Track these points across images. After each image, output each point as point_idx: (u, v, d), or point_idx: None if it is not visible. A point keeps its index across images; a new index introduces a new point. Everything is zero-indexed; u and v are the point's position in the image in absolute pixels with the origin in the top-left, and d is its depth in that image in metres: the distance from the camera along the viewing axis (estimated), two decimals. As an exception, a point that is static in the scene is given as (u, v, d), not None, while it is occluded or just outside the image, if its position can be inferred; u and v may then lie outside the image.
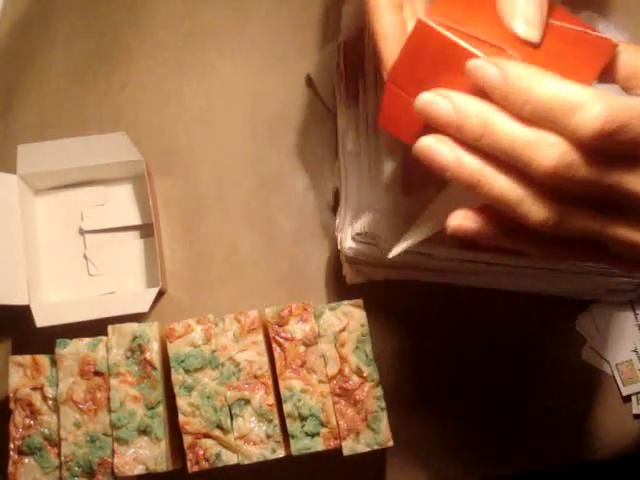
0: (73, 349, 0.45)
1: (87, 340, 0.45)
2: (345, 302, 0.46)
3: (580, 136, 0.29)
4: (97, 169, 0.53)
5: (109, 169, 0.54)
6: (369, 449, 0.44)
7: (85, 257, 0.54)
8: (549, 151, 0.30)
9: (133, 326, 0.45)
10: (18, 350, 0.52)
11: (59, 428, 0.44)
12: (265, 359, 0.45)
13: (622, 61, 0.35)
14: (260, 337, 0.45)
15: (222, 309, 0.49)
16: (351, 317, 0.46)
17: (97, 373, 0.45)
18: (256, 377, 0.45)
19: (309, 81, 0.57)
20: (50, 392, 0.45)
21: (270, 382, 0.45)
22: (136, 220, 0.55)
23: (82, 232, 0.55)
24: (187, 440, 0.44)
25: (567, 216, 0.31)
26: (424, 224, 0.40)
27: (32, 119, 0.57)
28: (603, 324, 0.51)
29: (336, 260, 0.53)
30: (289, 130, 0.56)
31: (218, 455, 0.44)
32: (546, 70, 0.31)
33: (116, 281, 0.54)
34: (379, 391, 0.45)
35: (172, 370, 0.45)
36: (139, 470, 0.43)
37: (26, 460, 0.44)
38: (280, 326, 0.45)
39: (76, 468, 0.44)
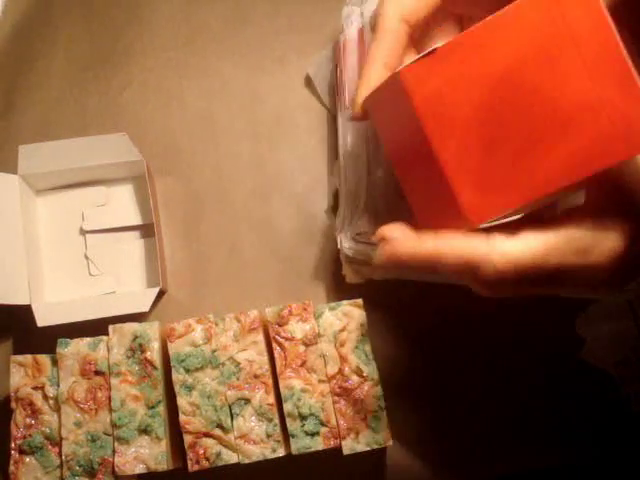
0: (74, 349, 0.45)
1: (88, 340, 0.46)
2: (345, 302, 0.46)
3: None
4: (98, 169, 0.53)
5: (110, 169, 0.54)
6: (369, 448, 0.44)
7: (86, 257, 0.54)
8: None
9: (134, 326, 0.46)
10: (19, 350, 0.52)
11: (60, 427, 0.44)
12: (265, 359, 0.45)
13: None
14: (260, 337, 0.46)
15: (222, 309, 0.49)
16: (351, 317, 0.46)
17: (98, 373, 0.45)
18: (256, 377, 0.45)
19: (308, 81, 0.57)
20: (51, 391, 0.45)
21: (270, 382, 0.45)
22: (137, 220, 0.55)
23: (83, 232, 0.55)
24: (187, 439, 0.44)
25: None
26: None
27: (33, 120, 0.57)
28: (602, 324, 0.51)
29: (336, 260, 0.53)
30: (289, 130, 0.56)
31: (218, 454, 0.44)
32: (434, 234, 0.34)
33: (117, 281, 0.54)
34: (379, 391, 0.45)
35: (172, 370, 0.45)
36: (140, 469, 0.43)
37: (27, 459, 0.44)
38: (280, 326, 0.45)
39: (77, 467, 0.44)
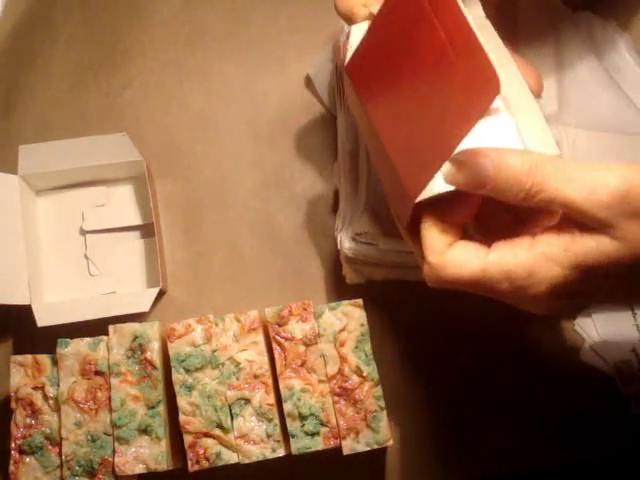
0: (74, 349, 0.45)
1: (88, 340, 0.46)
2: (345, 302, 0.46)
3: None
4: (98, 169, 0.54)
5: (110, 169, 0.54)
6: (369, 448, 0.44)
7: (86, 257, 0.54)
8: None
9: (134, 326, 0.46)
10: (19, 350, 0.52)
11: (60, 427, 0.44)
12: (265, 359, 0.45)
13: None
14: (260, 337, 0.46)
15: (222, 309, 0.49)
16: (351, 317, 0.46)
17: (98, 373, 0.45)
18: (256, 377, 0.45)
19: (309, 82, 0.57)
20: (51, 392, 0.45)
21: (270, 382, 0.45)
22: (137, 220, 0.55)
23: (83, 232, 0.55)
24: (187, 439, 0.44)
25: None
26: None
27: (33, 120, 0.57)
28: (602, 324, 0.51)
29: (336, 260, 0.53)
30: (289, 131, 0.56)
31: (218, 454, 0.44)
32: None
33: (117, 281, 0.54)
34: (379, 391, 0.45)
35: (172, 370, 0.45)
36: (140, 469, 0.43)
37: (27, 459, 0.44)
38: (280, 326, 0.45)
39: (77, 467, 0.44)
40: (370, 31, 0.39)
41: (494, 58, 0.33)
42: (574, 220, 0.33)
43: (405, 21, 0.36)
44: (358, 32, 0.40)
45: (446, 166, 0.34)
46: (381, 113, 0.39)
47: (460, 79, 0.34)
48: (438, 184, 0.35)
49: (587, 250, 0.32)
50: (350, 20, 0.41)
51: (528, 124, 0.36)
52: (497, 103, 0.35)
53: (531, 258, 0.33)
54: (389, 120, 0.39)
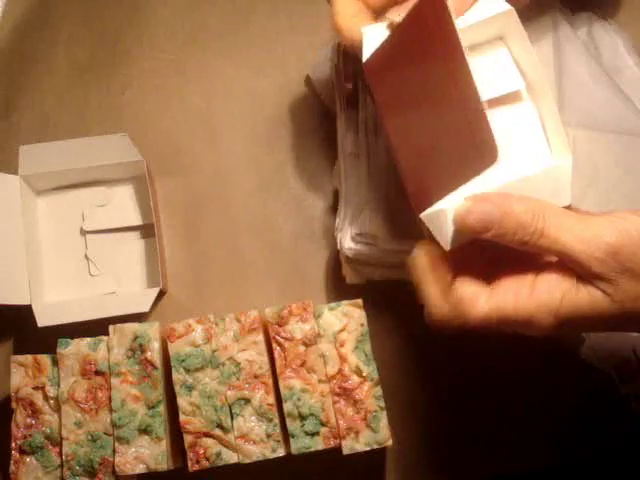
0: (74, 349, 0.45)
1: (88, 340, 0.46)
2: (345, 302, 0.46)
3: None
4: (98, 170, 0.54)
5: (110, 170, 0.54)
6: (368, 448, 0.44)
7: (86, 257, 0.55)
8: None
9: (134, 326, 0.46)
10: (19, 350, 0.52)
11: (60, 427, 0.44)
12: (265, 359, 0.45)
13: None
14: (260, 337, 0.46)
15: (222, 309, 0.49)
16: (351, 317, 0.46)
17: (98, 373, 0.45)
18: (256, 377, 0.45)
19: (308, 82, 0.57)
20: (51, 392, 0.45)
21: (270, 382, 0.45)
22: (137, 220, 0.55)
23: (83, 232, 0.55)
24: (188, 439, 0.44)
25: None
26: None
27: (34, 120, 0.57)
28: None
29: (336, 260, 0.53)
30: (289, 131, 0.56)
31: (218, 454, 0.44)
32: None
33: (117, 281, 0.54)
34: (378, 391, 0.45)
35: (173, 370, 0.45)
36: (140, 469, 0.43)
37: (28, 459, 0.44)
38: (280, 326, 0.46)
39: (77, 467, 0.44)
40: (391, 37, 0.38)
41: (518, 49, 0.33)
42: (571, 273, 0.34)
43: (423, 39, 0.36)
44: (373, 33, 0.40)
45: (456, 211, 0.35)
46: (395, 120, 0.39)
47: (463, 129, 0.35)
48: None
49: (581, 304, 0.34)
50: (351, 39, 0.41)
51: (547, 112, 0.37)
52: (521, 90, 0.37)
53: (533, 308, 0.34)
54: (402, 129, 0.39)
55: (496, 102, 0.37)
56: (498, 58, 0.38)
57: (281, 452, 0.44)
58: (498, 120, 0.35)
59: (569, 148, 0.36)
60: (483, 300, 0.35)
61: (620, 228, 0.33)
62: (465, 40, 0.34)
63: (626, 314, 0.33)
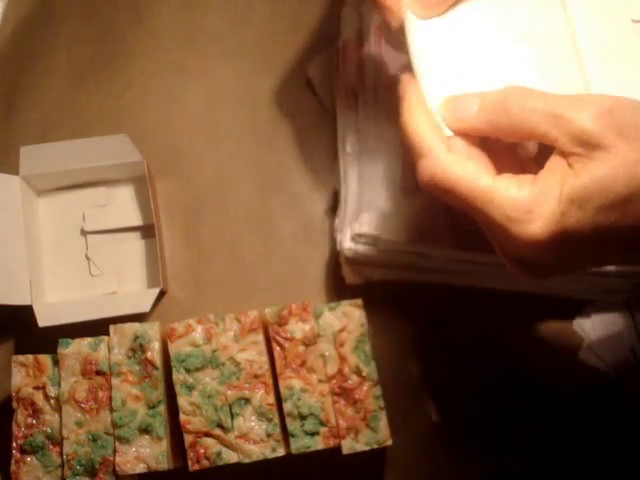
0: (75, 349, 0.46)
1: (89, 340, 0.46)
2: (344, 302, 0.46)
3: None
4: (99, 170, 0.54)
5: (111, 170, 0.54)
6: (368, 448, 0.44)
7: (87, 257, 0.55)
8: None
9: (134, 326, 0.46)
10: (20, 350, 0.52)
11: (61, 427, 0.44)
12: (265, 359, 0.45)
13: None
14: (260, 337, 0.46)
15: (222, 309, 0.49)
16: (350, 317, 0.46)
17: (99, 372, 0.45)
18: (256, 376, 0.45)
19: (308, 83, 0.57)
20: (52, 391, 0.45)
21: (270, 381, 0.45)
22: (137, 221, 0.55)
23: (84, 233, 0.55)
24: (188, 439, 0.44)
25: None
26: None
27: (35, 121, 0.57)
28: (600, 324, 0.52)
29: (335, 260, 0.53)
30: (289, 131, 0.56)
31: (219, 454, 0.44)
32: None
33: (117, 281, 0.54)
34: (378, 390, 0.45)
35: (173, 369, 0.45)
36: (140, 469, 0.44)
37: (28, 459, 0.44)
38: (280, 326, 0.46)
39: (78, 467, 0.44)
40: None
41: None
42: (567, 155, 0.33)
43: None
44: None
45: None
46: None
47: None
48: None
49: (582, 182, 0.32)
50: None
51: None
52: None
53: (534, 193, 0.33)
54: None
55: None
56: None
57: (281, 452, 0.44)
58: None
59: None
60: (492, 174, 0.34)
61: (611, 96, 0.33)
62: None
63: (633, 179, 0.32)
